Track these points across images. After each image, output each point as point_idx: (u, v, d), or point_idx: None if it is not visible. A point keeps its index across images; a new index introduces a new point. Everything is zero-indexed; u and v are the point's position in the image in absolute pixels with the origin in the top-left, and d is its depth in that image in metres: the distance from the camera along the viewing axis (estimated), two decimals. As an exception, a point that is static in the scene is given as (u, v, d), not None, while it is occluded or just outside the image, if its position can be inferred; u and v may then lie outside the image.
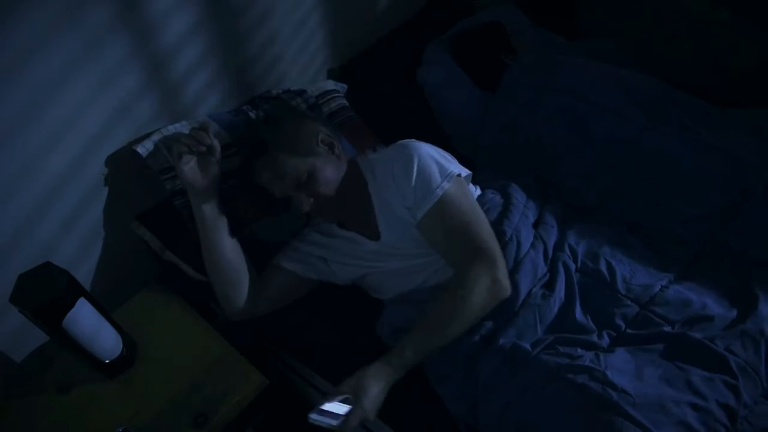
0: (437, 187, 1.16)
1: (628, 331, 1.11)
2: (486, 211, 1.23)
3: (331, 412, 1.01)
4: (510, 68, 1.60)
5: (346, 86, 1.64)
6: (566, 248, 1.26)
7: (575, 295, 1.17)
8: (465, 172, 1.26)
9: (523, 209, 1.29)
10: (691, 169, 1.33)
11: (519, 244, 1.20)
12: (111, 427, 1.08)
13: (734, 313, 1.12)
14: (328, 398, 1.02)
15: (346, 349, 1.27)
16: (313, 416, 1.00)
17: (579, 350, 1.07)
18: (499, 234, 1.19)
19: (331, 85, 1.60)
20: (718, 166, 1.31)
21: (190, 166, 1.15)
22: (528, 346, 1.08)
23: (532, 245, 1.22)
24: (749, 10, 1.67)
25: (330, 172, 1.22)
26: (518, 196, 1.32)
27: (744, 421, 0.97)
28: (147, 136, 1.27)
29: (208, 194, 1.19)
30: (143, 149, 1.25)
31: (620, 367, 1.01)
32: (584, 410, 0.95)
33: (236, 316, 1.27)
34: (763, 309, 1.11)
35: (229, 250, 1.22)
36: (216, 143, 1.16)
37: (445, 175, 1.18)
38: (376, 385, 1.04)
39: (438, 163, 1.20)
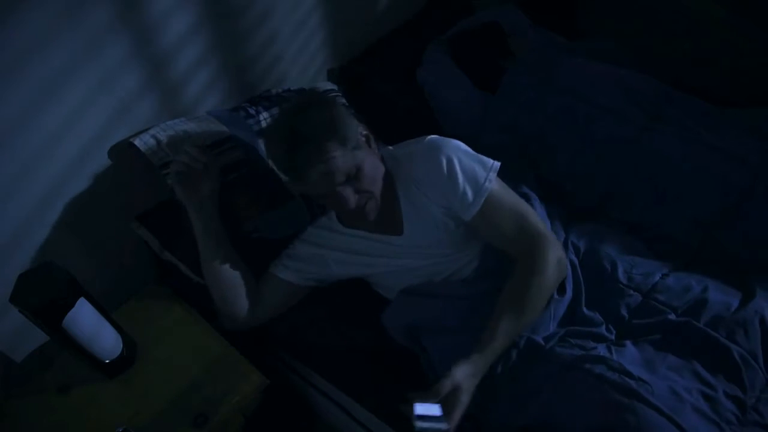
0: (485, 181, 1.14)
1: (634, 321, 1.12)
2: None
3: (430, 416, 0.98)
4: (510, 68, 1.60)
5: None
6: (570, 246, 1.26)
7: (581, 290, 1.18)
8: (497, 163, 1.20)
9: (540, 210, 1.30)
10: (691, 169, 1.33)
11: None
12: (111, 427, 1.08)
13: (735, 299, 1.13)
14: (423, 400, 0.99)
15: (346, 349, 1.27)
16: (420, 424, 0.96)
17: (591, 342, 1.07)
18: None
19: (329, 85, 1.60)
20: (718, 167, 1.31)
21: (186, 183, 1.15)
22: (541, 340, 1.09)
23: None
24: (749, 9, 1.67)
25: (374, 168, 1.15)
26: (533, 196, 1.33)
27: (752, 411, 0.98)
28: (145, 130, 1.27)
29: (206, 208, 1.19)
30: (141, 142, 1.23)
31: (631, 359, 1.03)
32: (604, 398, 0.96)
33: (234, 327, 1.26)
34: (761, 299, 1.11)
35: (227, 262, 1.21)
36: (212, 160, 1.16)
37: (488, 168, 1.16)
38: (473, 381, 1.03)
39: (474, 156, 1.17)
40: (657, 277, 1.19)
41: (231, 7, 1.35)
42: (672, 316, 1.11)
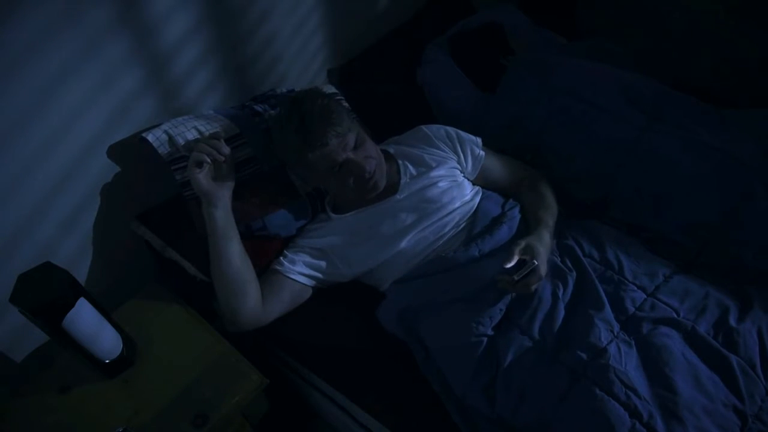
0: (476, 138, 1.42)
1: (638, 313, 1.13)
2: (485, 198, 1.34)
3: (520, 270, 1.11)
4: (509, 68, 1.60)
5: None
6: (570, 237, 1.28)
7: (587, 270, 1.20)
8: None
9: None
10: (691, 170, 1.33)
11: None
12: (111, 427, 1.08)
13: (734, 308, 1.13)
14: (508, 268, 1.12)
15: (346, 349, 1.27)
16: (516, 277, 1.09)
17: (604, 335, 1.06)
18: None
19: (332, 88, 1.61)
20: (718, 167, 1.31)
21: (204, 175, 1.16)
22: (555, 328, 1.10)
23: None
24: (749, 10, 1.67)
25: (370, 139, 1.29)
26: None
27: (756, 420, 0.97)
28: (156, 126, 1.26)
29: (222, 202, 1.19)
30: (153, 137, 1.23)
31: (636, 364, 1.03)
32: (607, 413, 0.96)
33: (237, 328, 1.25)
34: (759, 309, 1.12)
35: (238, 260, 1.21)
36: (231, 154, 1.19)
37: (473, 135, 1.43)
38: (540, 244, 1.17)
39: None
40: (660, 279, 1.19)
41: (231, 7, 1.35)
42: (675, 316, 1.11)
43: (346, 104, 1.54)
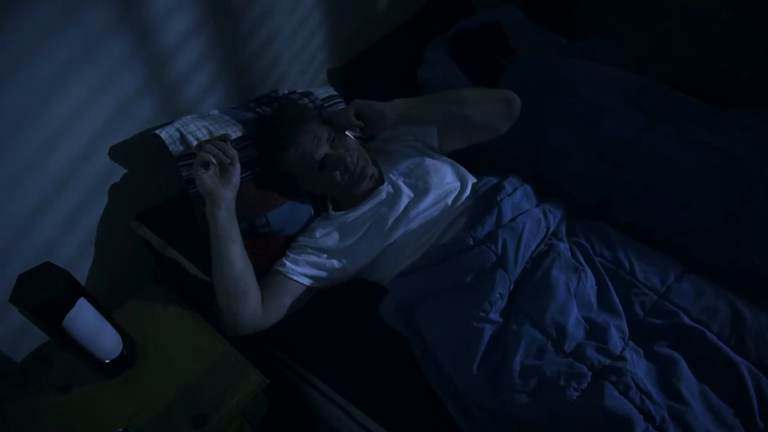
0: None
1: (648, 319, 1.12)
2: (482, 186, 1.35)
3: None
4: (509, 68, 1.60)
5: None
6: (580, 236, 1.28)
7: (600, 271, 1.19)
8: None
9: (521, 186, 1.36)
10: (691, 170, 1.32)
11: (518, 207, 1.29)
12: (111, 427, 1.08)
13: (746, 309, 1.12)
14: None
15: (345, 350, 1.27)
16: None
17: (618, 343, 1.06)
18: (499, 188, 1.32)
19: (330, 89, 1.61)
20: (718, 168, 1.30)
21: (209, 175, 1.18)
22: (569, 326, 1.08)
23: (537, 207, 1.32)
24: (750, 10, 1.67)
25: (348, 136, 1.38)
26: (516, 179, 1.40)
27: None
28: (167, 123, 1.27)
29: (226, 203, 1.20)
30: (166, 135, 1.24)
31: (645, 370, 1.03)
32: (622, 413, 0.95)
33: (236, 332, 1.25)
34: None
35: (240, 262, 1.21)
36: (236, 154, 1.22)
37: None
38: (380, 106, 1.32)
39: None
40: (671, 279, 1.18)
41: (231, 7, 1.35)
42: (686, 319, 1.10)
43: (344, 106, 1.55)
